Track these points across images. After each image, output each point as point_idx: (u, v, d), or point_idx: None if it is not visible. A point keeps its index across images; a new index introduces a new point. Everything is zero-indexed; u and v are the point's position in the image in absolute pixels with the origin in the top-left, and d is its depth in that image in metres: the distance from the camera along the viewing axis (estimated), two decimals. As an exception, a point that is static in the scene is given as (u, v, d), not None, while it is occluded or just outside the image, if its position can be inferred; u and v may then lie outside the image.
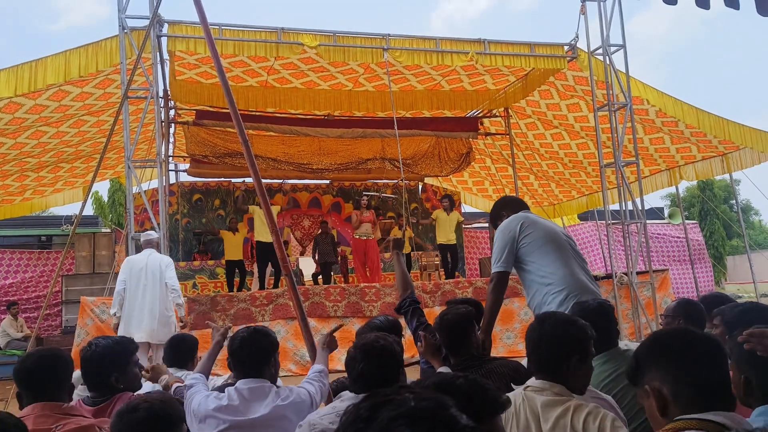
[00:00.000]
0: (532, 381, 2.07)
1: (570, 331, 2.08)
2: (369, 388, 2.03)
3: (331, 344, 3.09)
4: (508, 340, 8.86)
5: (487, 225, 14.20)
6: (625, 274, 9.24)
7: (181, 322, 6.16)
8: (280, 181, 13.02)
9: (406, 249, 11.26)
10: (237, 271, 10.70)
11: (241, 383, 2.53)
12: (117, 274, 9.76)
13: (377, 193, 13.09)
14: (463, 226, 13.50)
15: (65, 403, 2.20)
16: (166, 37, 7.95)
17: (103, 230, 14.16)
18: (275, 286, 10.14)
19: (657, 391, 1.35)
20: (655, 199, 31.49)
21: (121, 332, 5.67)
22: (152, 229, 7.08)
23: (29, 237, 13.82)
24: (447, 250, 11.08)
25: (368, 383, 2.12)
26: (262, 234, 10.02)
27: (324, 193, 13.69)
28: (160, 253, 6.58)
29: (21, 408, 2.22)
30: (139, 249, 7.06)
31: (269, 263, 10.37)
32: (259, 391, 2.50)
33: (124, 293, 5.88)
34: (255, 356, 2.59)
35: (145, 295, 5.83)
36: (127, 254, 7.19)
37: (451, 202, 11.56)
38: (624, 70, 9.21)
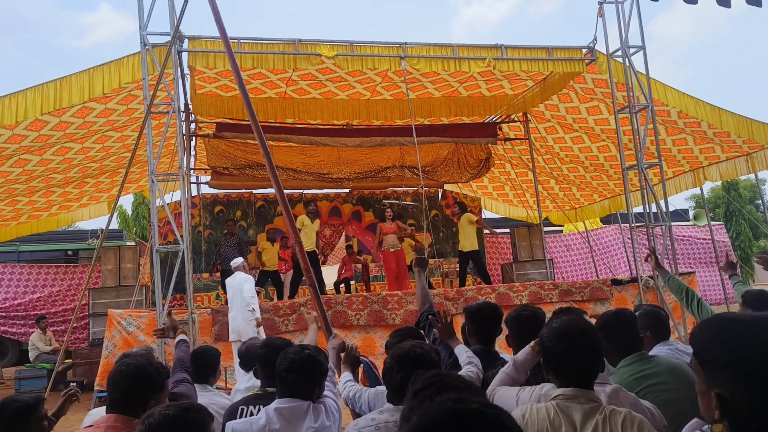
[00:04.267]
0: (561, 390, 2.03)
1: (599, 340, 2.11)
2: (398, 401, 2.07)
3: (353, 363, 3.10)
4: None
5: (508, 230, 14.13)
6: (651, 277, 9.13)
7: (258, 323, 7.52)
8: (300, 191, 13.12)
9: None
10: (269, 281, 10.89)
11: (280, 402, 2.45)
12: (142, 286, 10.01)
13: (397, 201, 13.11)
14: (484, 232, 13.36)
15: (137, 419, 2.14)
16: (186, 53, 8.07)
17: (128, 243, 14.35)
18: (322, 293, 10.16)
19: (723, 400, 1.26)
20: (679, 200, 31.13)
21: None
22: (176, 241, 7.30)
23: (56, 252, 14.04)
24: (467, 257, 10.95)
25: (398, 396, 2.10)
26: (307, 244, 10.09)
27: (344, 202, 13.74)
28: (189, 263, 7.64)
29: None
30: (163, 261, 8.15)
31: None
32: (297, 410, 2.44)
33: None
34: (303, 382, 2.49)
35: (232, 306, 7.52)
36: (151, 267, 8.02)
37: (460, 207, 11.13)
38: (644, 72, 9.13)
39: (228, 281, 7.81)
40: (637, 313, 3.15)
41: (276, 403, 2.45)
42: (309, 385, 2.50)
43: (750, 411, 1.20)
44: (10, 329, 12.38)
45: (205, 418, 1.86)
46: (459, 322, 8.70)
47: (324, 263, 13.42)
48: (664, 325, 3.16)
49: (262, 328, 7.53)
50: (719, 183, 23.34)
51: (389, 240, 10.48)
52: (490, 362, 2.93)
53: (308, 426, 2.42)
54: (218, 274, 11.62)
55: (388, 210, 10.82)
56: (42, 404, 2.65)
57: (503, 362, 2.97)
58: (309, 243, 10.19)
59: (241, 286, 7.48)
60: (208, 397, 3.17)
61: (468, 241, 10.73)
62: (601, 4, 9.15)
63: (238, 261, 7.92)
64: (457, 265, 11.32)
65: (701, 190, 12.97)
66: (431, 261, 11.81)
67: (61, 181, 10.82)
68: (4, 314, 12.39)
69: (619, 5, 9.13)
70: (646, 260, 4.39)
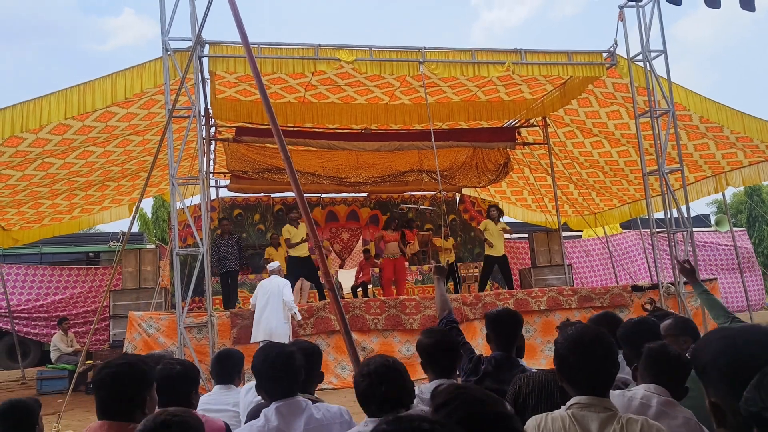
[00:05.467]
0: (576, 398, 1.99)
1: (614, 347, 2.09)
2: (385, 412, 2.09)
3: None
4: (550, 352, 8.72)
5: (526, 235, 14.05)
6: (672, 284, 9.02)
7: (299, 325, 8.08)
8: (318, 195, 13.16)
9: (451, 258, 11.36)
10: None
11: (277, 403, 2.46)
12: (162, 288, 10.09)
13: (415, 206, 13.10)
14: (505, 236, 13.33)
15: (133, 422, 2.08)
16: (207, 58, 8.16)
17: (148, 246, 14.50)
18: (321, 298, 10.17)
19: (718, 408, 1.27)
20: (700, 206, 30.73)
21: (252, 333, 7.85)
22: (195, 244, 7.39)
23: (78, 254, 14.23)
24: (494, 261, 10.88)
25: (384, 408, 2.15)
26: (296, 249, 10.12)
27: (362, 206, 13.76)
28: (209, 267, 7.85)
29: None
30: (182, 264, 8.10)
31: (300, 278, 10.42)
32: (295, 406, 2.45)
33: (255, 306, 8.00)
34: (285, 377, 2.49)
35: (267, 307, 7.72)
36: (171, 269, 8.11)
37: (498, 211, 11.22)
38: (666, 76, 9.05)
39: (264, 283, 8.04)
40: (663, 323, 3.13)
41: (274, 404, 2.46)
42: (291, 380, 2.51)
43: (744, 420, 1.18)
44: (32, 330, 12.56)
45: (199, 427, 1.86)
46: (477, 327, 8.69)
47: (342, 267, 13.46)
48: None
49: (290, 334, 7.79)
50: (741, 188, 23.01)
51: (390, 248, 10.89)
52: (509, 369, 2.92)
53: (307, 420, 2.43)
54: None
55: (393, 222, 11.30)
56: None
57: (523, 369, 2.95)
58: (300, 250, 10.09)
59: (281, 289, 7.82)
60: (233, 396, 3.24)
61: (499, 247, 10.79)
62: (621, 7, 9.09)
63: (274, 265, 8.20)
64: (476, 270, 11.28)
65: (723, 195, 12.81)
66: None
67: (84, 184, 10.97)
68: (26, 315, 12.57)
69: (640, 9, 9.06)
70: (681, 272, 4.28)
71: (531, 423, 2.00)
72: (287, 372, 2.49)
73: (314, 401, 2.63)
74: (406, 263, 12.23)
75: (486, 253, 10.98)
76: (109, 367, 2.18)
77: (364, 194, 13.62)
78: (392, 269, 10.92)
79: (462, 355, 3.02)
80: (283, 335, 7.53)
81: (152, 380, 2.24)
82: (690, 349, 2.83)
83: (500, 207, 11.93)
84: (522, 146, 12.34)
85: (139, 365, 2.22)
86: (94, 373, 2.28)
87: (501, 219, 11.19)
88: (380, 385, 2.18)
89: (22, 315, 12.51)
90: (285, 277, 10.83)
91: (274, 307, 7.72)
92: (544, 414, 2.04)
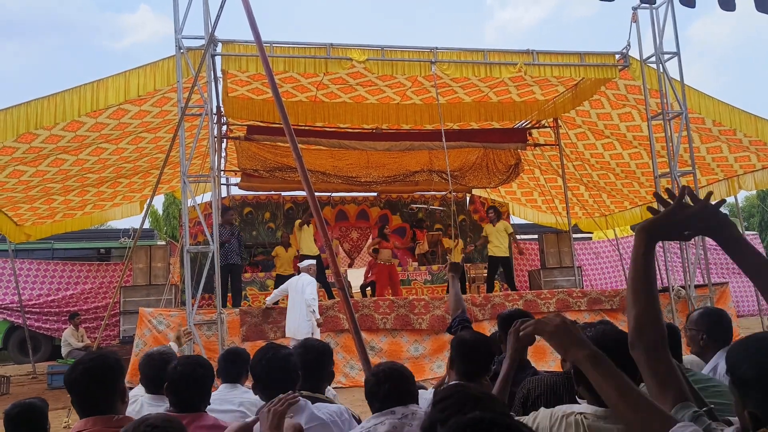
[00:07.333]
0: (593, 409, 1.87)
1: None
2: (388, 406, 2.37)
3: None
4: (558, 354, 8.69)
5: (536, 236, 14.01)
6: (683, 287, 8.96)
7: (318, 324, 7.92)
8: (328, 194, 13.19)
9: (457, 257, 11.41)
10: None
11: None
12: (172, 285, 10.15)
13: (425, 206, 13.10)
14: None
15: (118, 414, 2.11)
16: (220, 56, 8.20)
17: (159, 243, 14.57)
18: (329, 297, 10.20)
19: (756, 418, 1.24)
20: (711, 209, 30.35)
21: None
22: (205, 242, 7.42)
23: (89, 250, 14.33)
24: (497, 262, 10.95)
25: (387, 403, 2.39)
26: (305, 248, 10.17)
27: (372, 206, 13.78)
28: (219, 264, 7.84)
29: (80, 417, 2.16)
30: (193, 261, 8.06)
31: None
32: (295, 406, 2.40)
33: (280, 300, 8.34)
34: (280, 378, 2.53)
35: (293, 305, 7.80)
36: (181, 266, 8.13)
37: (496, 212, 11.28)
38: (679, 78, 8.99)
39: (292, 281, 8.06)
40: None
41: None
42: (290, 383, 2.54)
43: None
44: (43, 325, 12.68)
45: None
46: (486, 328, 8.68)
47: (351, 266, 13.47)
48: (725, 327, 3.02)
49: (318, 329, 7.78)
50: (754, 192, 22.83)
51: (384, 254, 11.01)
52: (521, 370, 2.90)
53: (308, 418, 2.44)
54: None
55: (386, 228, 11.51)
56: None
57: (534, 371, 2.93)
58: (310, 249, 10.16)
59: (304, 288, 7.78)
60: (239, 395, 3.22)
61: (502, 247, 10.77)
62: (635, 9, 9.04)
63: (305, 263, 8.21)
64: (485, 271, 11.28)
65: (735, 198, 12.70)
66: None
67: (96, 180, 11.04)
68: (38, 310, 12.69)
69: (654, 11, 9.01)
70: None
71: (543, 418, 1.94)
72: (283, 374, 2.55)
73: (314, 400, 2.64)
74: (409, 262, 12.30)
75: (489, 253, 11.10)
76: (83, 364, 2.14)
77: (375, 194, 13.62)
78: (387, 275, 11.00)
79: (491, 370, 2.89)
80: (305, 334, 7.43)
81: (124, 370, 2.28)
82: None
83: (497, 208, 11.87)
84: (533, 147, 12.30)
85: (111, 356, 2.21)
86: (67, 373, 2.19)
87: (499, 219, 11.14)
88: (386, 382, 2.37)
89: (33, 310, 12.62)
90: (283, 276, 10.93)
91: (298, 305, 7.73)
92: (560, 414, 1.93)
